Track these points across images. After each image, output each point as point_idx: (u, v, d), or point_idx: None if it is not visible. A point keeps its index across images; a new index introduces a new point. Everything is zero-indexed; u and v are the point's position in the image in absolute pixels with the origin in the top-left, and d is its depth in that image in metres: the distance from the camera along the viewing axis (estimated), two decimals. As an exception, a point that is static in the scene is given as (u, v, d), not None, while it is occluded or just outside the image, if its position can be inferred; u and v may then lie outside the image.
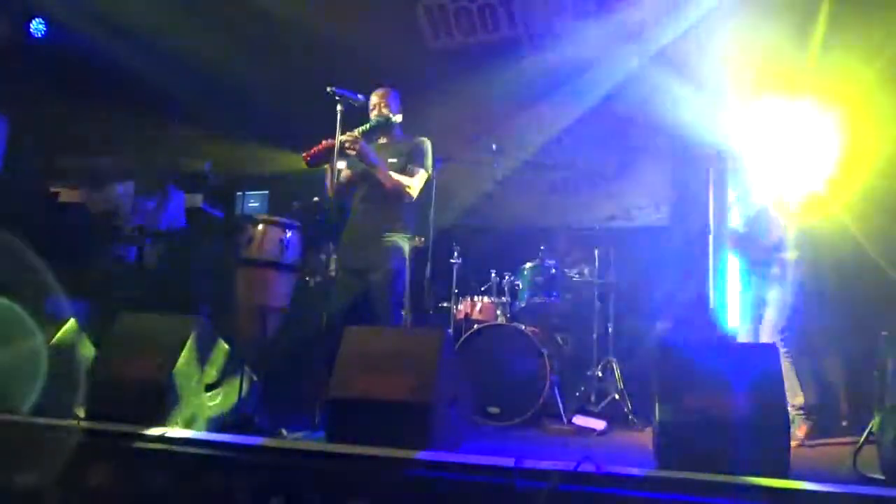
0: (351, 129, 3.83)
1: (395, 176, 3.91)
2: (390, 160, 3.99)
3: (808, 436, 3.87)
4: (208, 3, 5.67)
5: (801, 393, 3.96)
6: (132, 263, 4.96)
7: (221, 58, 5.85)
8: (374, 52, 5.99)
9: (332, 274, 5.11)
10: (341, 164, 4.06)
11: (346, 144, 3.76)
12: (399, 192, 3.90)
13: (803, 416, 3.92)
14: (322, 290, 4.42)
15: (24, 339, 3.25)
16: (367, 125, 3.92)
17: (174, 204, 5.31)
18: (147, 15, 5.50)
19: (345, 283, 4.01)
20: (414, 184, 3.94)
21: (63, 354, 3.33)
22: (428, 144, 4.06)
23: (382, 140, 4.09)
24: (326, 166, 3.93)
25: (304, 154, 3.90)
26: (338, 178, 4.01)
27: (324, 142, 3.80)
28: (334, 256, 5.14)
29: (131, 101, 5.84)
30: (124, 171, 5.37)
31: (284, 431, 3.46)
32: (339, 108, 3.74)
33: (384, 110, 4.02)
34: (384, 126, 3.95)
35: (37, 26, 5.91)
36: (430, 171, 4.04)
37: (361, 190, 4.05)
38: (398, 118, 3.94)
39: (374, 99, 4.09)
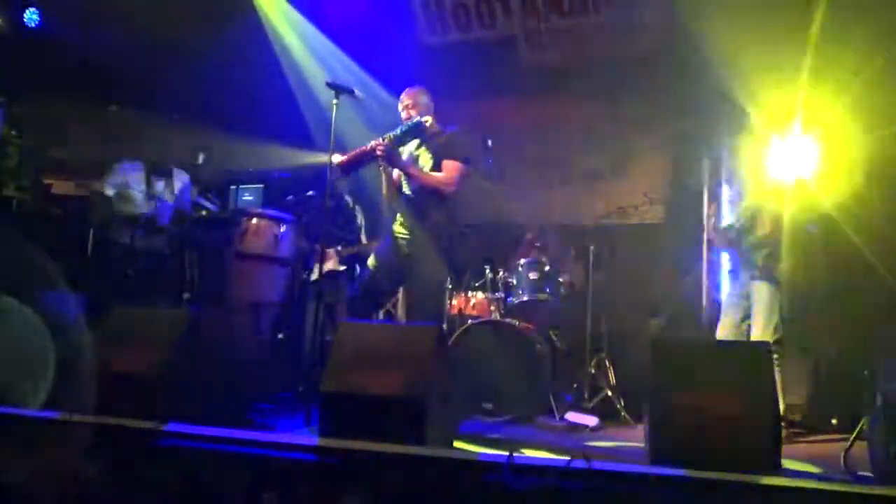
0: (349, 124, 3.84)
1: (430, 175, 3.89)
2: (425, 156, 3.97)
3: (784, 443, 3.84)
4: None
5: (783, 400, 3.94)
6: (129, 256, 4.92)
7: (216, 51, 5.84)
8: (371, 47, 6.00)
9: (337, 268, 5.12)
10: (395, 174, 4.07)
11: (377, 151, 3.75)
12: (437, 189, 3.88)
13: (783, 424, 3.90)
14: (319, 284, 4.41)
15: (32, 337, 3.25)
16: (399, 130, 3.88)
17: (177, 184, 5.25)
18: (143, 5, 5.47)
19: (378, 281, 4.00)
20: (451, 179, 3.88)
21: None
22: (461, 135, 4.00)
23: (417, 140, 4.06)
24: (382, 170, 3.95)
25: (337, 161, 3.88)
26: (392, 183, 4.03)
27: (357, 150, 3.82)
28: (338, 248, 5.14)
29: (126, 93, 5.82)
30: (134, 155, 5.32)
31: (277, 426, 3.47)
32: (334, 101, 3.74)
33: (412, 111, 3.98)
34: (415, 130, 3.90)
35: (31, 16, 5.87)
36: (466, 162, 3.93)
37: (405, 190, 4.03)
38: (427, 119, 3.87)
39: (404, 100, 4.07)
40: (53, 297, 3.89)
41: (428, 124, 3.86)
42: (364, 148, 3.78)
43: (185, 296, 4.93)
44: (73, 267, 4.93)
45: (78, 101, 5.74)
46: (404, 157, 3.99)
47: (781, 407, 3.86)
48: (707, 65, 5.21)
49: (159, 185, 5.12)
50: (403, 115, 4.04)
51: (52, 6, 5.79)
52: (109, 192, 4.96)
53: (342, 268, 5.18)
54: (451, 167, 3.90)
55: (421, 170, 3.93)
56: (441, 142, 3.97)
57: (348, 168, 3.87)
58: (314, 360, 3.71)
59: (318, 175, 4.68)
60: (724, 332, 4.29)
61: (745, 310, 4.24)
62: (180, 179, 5.25)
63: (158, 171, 5.16)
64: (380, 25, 6.17)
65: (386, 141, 3.78)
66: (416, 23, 6.56)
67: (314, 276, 4.81)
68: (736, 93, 4.88)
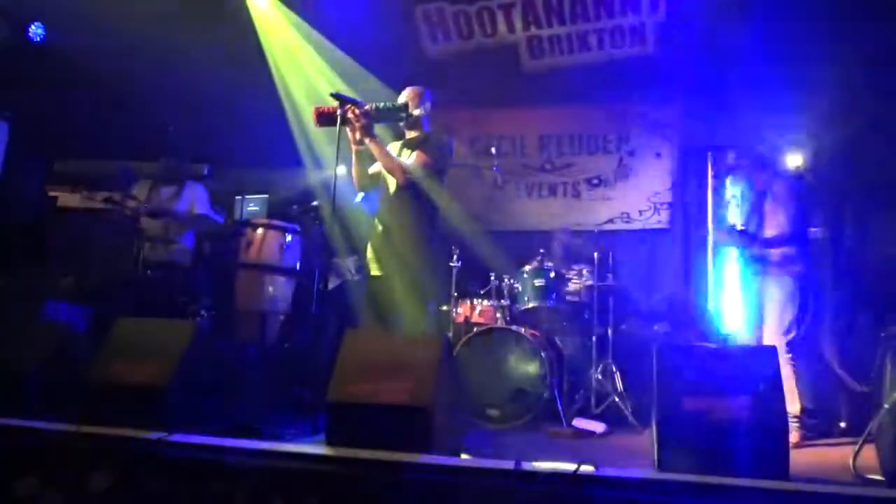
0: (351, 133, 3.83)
1: (394, 157, 3.89)
2: (406, 151, 3.99)
3: (799, 444, 3.82)
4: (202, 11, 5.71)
5: (798, 400, 3.93)
6: (132, 265, 4.94)
7: (220, 63, 5.88)
8: (373, 56, 6.04)
9: (344, 277, 5.12)
10: (373, 168, 4.02)
11: (348, 114, 3.70)
12: (395, 172, 3.85)
13: (797, 425, 3.89)
14: (324, 293, 4.41)
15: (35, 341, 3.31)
16: (382, 104, 3.84)
17: (188, 194, 5.28)
18: (144, 21, 5.52)
19: (371, 288, 3.99)
20: (410, 167, 3.86)
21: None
22: (437, 137, 4.00)
23: (410, 135, 4.06)
24: (353, 162, 3.92)
25: (314, 108, 3.87)
26: (365, 174, 3.99)
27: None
28: (343, 259, 5.15)
29: (130, 106, 5.87)
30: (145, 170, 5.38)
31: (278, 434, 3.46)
32: (338, 111, 3.75)
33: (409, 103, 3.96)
34: (395, 111, 3.90)
35: (36, 30, 5.92)
36: (431, 157, 3.89)
37: (385, 188, 4.00)
38: (417, 111, 3.88)
39: (403, 96, 4.06)
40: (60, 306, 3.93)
41: (416, 113, 3.87)
42: (341, 108, 3.74)
43: (193, 306, 4.95)
44: (82, 278, 4.97)
45: (83, 115, 5.79)
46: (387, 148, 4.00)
47: (797, 409, 3.87)
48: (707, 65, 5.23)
49: (165, 195, 5.16)
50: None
51: (57, 21, 5.84)
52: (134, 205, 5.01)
53: (357, 277, 5.15)
54: (416, 158, 3.89)
55: (387, 149, 3.92)
56: (419, 140, 3.99)
57: (322, 119, 3.85)
58: (321, 369, 3.70)
59: (325, 185, 4.70)
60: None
61: (759, 314, 4.21)
62: (193, 190, 5.26)
63: (167, 180, 5.21)
64: (382, 34, 6.20)
65: (368, 107, 3.77)
66: (418, 31, 6.59)
67: (330, 285, 4.79)
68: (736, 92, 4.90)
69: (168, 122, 5.52)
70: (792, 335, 4.00)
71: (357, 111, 3.72)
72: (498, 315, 5.07)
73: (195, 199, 5.23)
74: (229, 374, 3.48)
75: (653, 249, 5.85)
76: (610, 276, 5.23)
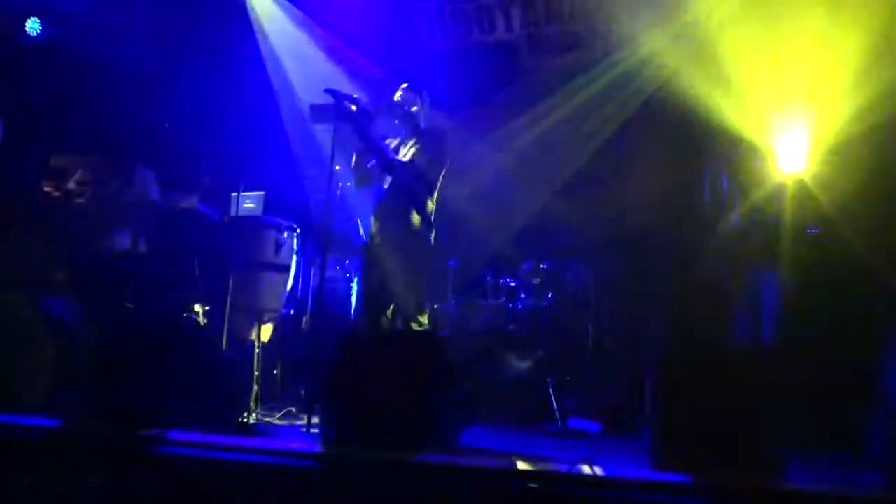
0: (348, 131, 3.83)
1: (388, 154, 3.91)
2: (403, 148, 4.00)
3: None
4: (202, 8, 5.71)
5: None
6: (128, 261, 4.93)
7: (216, 60, 5.86)
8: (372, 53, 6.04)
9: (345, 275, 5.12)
10: (370, 165, 4.03)
11: (351, 108, 3.73)
12: (391, 170, 3.88)
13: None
14: (322, 290, 4.41)
15: (31, 337, 3.27)
16: (381, 101, 3.90)
17: (136, 181, 5.28)
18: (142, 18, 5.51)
19: (367, 286, 3.99)
20: (406, 164, 3.89)
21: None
22: (434, 135, 4.02)
23: (407, 132, 4.08)
24: (350, 159, 3.95)
25: (310, 105, 3.89)
26: (362, 171, 4.00)
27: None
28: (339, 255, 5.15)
29: (127, 103, 5.85)
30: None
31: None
32: (335, 108, 3.74)
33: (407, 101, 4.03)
34: (390, 109, 3.91)
35: (32, 26, 5.89)
36: (433, 158, 3.94)
37: (382, 186, 4.01)
38: (414, 109, 3.95)
39: (399, 94, 4.11)
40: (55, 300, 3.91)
41: (413, 110, 3.90)
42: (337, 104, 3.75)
43: (188, 303, 4.93)
44: (75, 273, 4.96)
45: (80, 110, 5.77)
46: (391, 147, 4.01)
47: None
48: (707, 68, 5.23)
49: (112, 183, 5.18)
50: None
51: (53, 16, 5.81)
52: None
53: (346, 274, 5.17)
54: (411, 155, 3.92)
55: (384, 147, 3.94)
56: (416, 137, 4.00)
57: (318, 116, 3.87)
58: (316, 367, 3.70)
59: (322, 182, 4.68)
60: None
61: (746, 320, 4.23)
62: (142, 176, 5.27)
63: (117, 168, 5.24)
64: (380, 32, 6.20)
65: (361, 104, 3.78)
66: (417, 29, 6.58)
67: (316, 281, 4.80)
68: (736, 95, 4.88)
69: (166, 118, 5.51)
70: (769, 344, 4.02)
71: (353, 108, 3.72)
72: (494, 314, 5.07)
73: (145, 186, 5.23)
74: (224, 371, 3.47)
75: (651, 248, 5.83)
76: (607, 274, 5.23)
